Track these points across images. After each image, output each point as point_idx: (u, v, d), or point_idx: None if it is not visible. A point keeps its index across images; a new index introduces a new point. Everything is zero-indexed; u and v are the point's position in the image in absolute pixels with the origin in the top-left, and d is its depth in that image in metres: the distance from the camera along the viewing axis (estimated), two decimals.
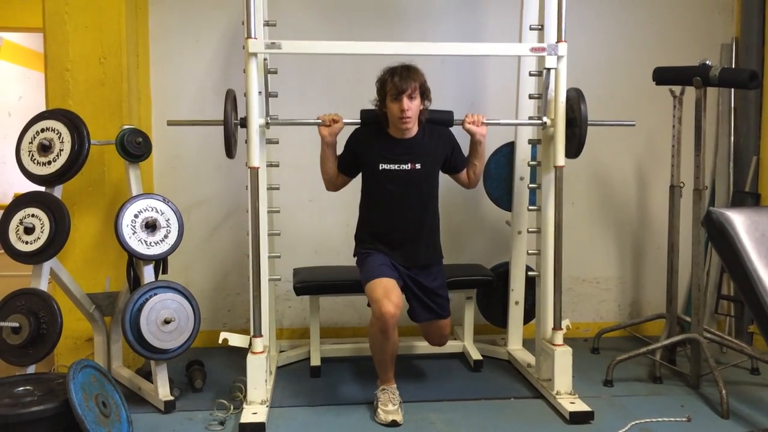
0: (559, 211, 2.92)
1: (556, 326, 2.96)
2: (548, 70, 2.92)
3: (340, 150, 2.97)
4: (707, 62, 3.04)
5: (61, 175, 2.87)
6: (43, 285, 2.84)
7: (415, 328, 3.69)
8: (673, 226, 3.33)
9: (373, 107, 2.88)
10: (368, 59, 3.03)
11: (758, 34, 3.79)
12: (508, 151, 3.44)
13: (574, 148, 2.95)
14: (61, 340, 2.82)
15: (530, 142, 3.29)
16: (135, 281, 2.98)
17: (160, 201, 2.97)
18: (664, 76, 3.24)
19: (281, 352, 3.53)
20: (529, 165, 3.31)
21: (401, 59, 2.83)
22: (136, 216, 2.89)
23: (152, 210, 2.93)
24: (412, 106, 2.74)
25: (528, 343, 3.48)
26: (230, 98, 2.83)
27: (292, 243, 3.63)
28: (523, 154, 3.38)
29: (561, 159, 2.91)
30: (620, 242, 4.01)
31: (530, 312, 3.47)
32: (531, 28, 3.19)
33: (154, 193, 3.07)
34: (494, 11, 3.76)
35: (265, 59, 2.90)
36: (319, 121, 2.87)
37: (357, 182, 3.01)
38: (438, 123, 2.94)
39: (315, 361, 3.33)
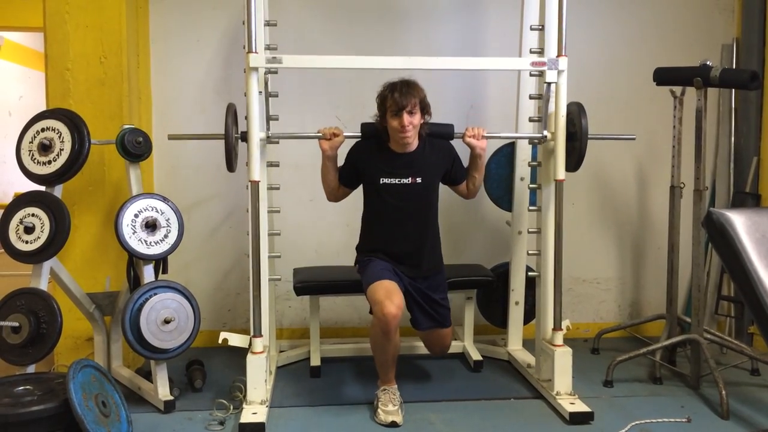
0: (560, 212, 2.92)
1: (556, 327, 2.96)
2: (548, 84, 2.92)
3: (340, 162, 2.98)
4: (708, 63, 3.04)
5: (62, 175, 2.87)
6: (43, 284, 2.84)
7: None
8: (673, 226, 3.33)
9: (373, 121, 2.90)
10: (369, 71, 3.06)
11: (759, 34, 3.79)
12: (508, 151, 3.44)
13: (573, 161, 2.96)
14: (61, 340, 2.82)
15: (531, 142, 3.29)
16: (135, 281, 2.98)
17: (160, 201, 2.97)
18: (664, 76, 3.24)
19: (281, 352, 3.53)
20: (529, 165, 3.31)
21: (402, 73, 2.84)
22: (136, 216, 2.89)
23: (152, 210, 2.93)
24: (412, 122, 2.77)
25: (528, 344, 3.48)
26: (231, 112, 2.84)
27: (292, 243, 3.63)
28: (523, 155, 3.38)
29: (561, 173, 2.91)
30: (620, 243, 4.01)
31: (530, 312, 3.46)
32: (532, 28, 3.18)
33: (154, 193, 3.07)
34: (495, 11, 3.76)
35: (266, 72, 2.90)
36: (320, 134, 2.88)
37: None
38: (438, 136, 2.96)
39: (315, 361, 3.33)
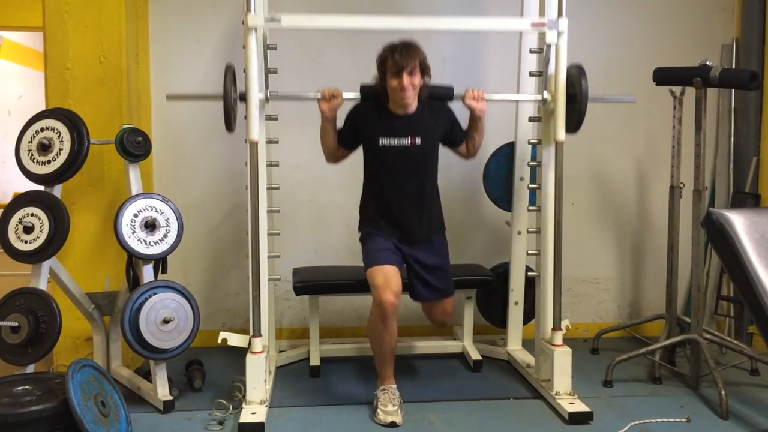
0: (559, 211, 2.92)
1: (556, 326, 2.96)
2: (549, 45, 2.90)
3: (339, 125, 2.95)
4: (707, 63, 3.04)
5: (61, 175, 2.87)
6: (43, 284, 2.83)
7: (415, 328, 3.70)
8: (672, 226, 3.33)
9: (372, 83, 2.88)
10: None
11: (758, 34, 3.79)
12: (507, 151, 3.44)
13: (573, 123, 2.94)
14: (60, 340, 2.81)
15: (530, 142, 3.29)
16: (134, 281, 2.98)
17: (160, 200, 2.96)
18: (664, 76, 3.24)
19: (280, 351, 3.53)
20: (528, 165, 3.31)
21: (401, 35, 2.81)
22: (135, 215, 2.89)
23: (152, 209, 2.93)
24: (412, 83, 2.75)
25: (527, 344, 3.48)
26: (229, 72, 2.81)
27: (291, 242, 3.63)
28: (522, 155, 3.38)
29: (561, 134, 2.90)
30: (620, 243, 4.01)
31: (530, 312, 3.46)
32: (532, 26, 3.17)
33: (154, 193, 3.07)
34: (495, 9, 3.75)
35: (264, 34, 2.87)
36: (319, 95, 2.86)
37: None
38: (438, 98, 2.94)
39: (314, 361, 3.33)
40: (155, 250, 2.91)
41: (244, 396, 2.81)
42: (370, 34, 2.98)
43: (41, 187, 2.91)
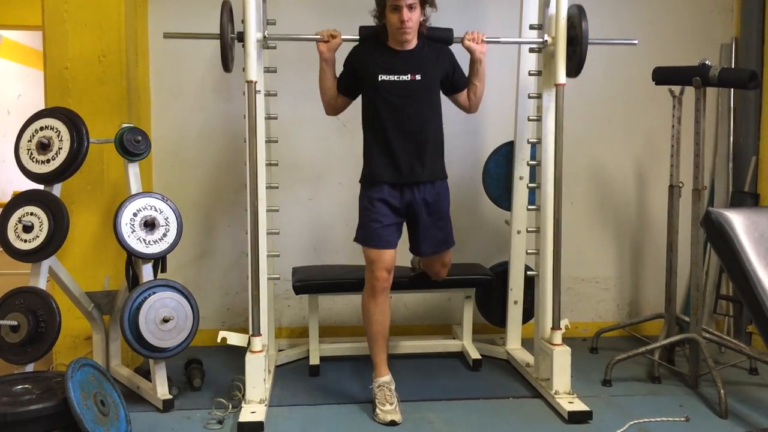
0: (558, 211, 2.92)
1: (555, 326, 2.96)
2: None
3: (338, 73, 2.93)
4: (707, 62, 3.04)
5: (60, 174, 2.86)
6: (42, 283, 2.83)
7: (415, 327, 3.70)
8: (672, 225, 3.33)
9: (372, 23, 2.85)
10: None
11: (758, 34, 3.79)
12: (507, 150, 3.44)
13: (574, 66, 2.93)
14: (60, 339, 2.81)
15: (529, 141, 3.29)
16: (134, 280, 2.98)
17: (159, 200, 2.96)
18: (663, 76, 3.25)
19: (280, 351, 3.53)
20: (528, 164, 3.31)
21: None
22: (135, 214, 2.88)
23: (151, 208, 2.93)
24: (412, 17, 2.71)
25: (527, 343, 3.48)
26: (226, 9, 2.79)
27: (291, 242, 3.63)
28: (522, 154, 3.37)
29: (562, 77, 2.89)
30: (619, 242, 4.01)
31: (529, 311, 3.47)
32: (531, 27, 3.18)
33: (153, 192, 3.07)
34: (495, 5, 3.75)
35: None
36: (318, 36, 2.84)
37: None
38: (437, 40, 2.91)
39: (314, 360, 3.33)
40: (155, 249, 2.91)
41: (243, 395, 2.81)
42: None
43: (41, 186, 2.91)
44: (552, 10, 2.93)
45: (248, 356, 2.80)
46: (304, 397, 3.02)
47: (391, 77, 2.80)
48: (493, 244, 3.83)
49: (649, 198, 3.98)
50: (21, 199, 2.89)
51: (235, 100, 2.90)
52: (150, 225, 2.91)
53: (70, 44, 3.17)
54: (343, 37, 2.85)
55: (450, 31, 2.94)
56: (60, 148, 2.86)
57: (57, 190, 2.92)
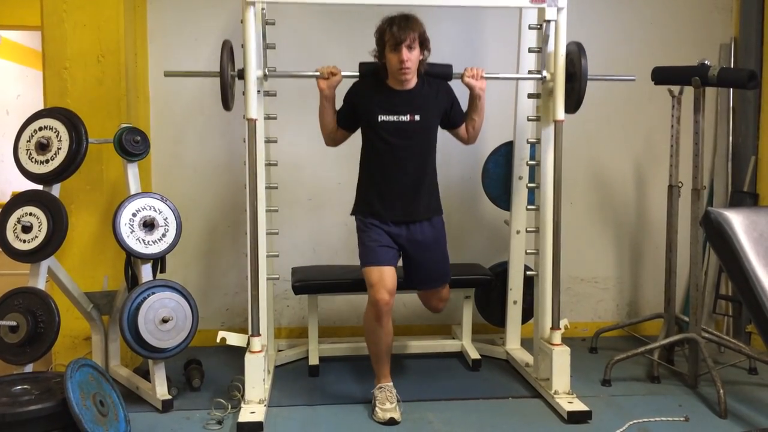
0: (558, 211, 2.92)
1: (555, 326, 2.96)
2: (548, 22, 2.89)
3: (338, 105, 2.94)
4: (706, 62, 3.04)
5: (59, 174, 2.86)
6: (41, 284, 2.83)
7: (414, 327, 3.70)
8: (671, 225, 3.33)
9: (372, 60, 2.86)
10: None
11: (757, 34, 3.79)
12: (506, 150, 3.44)
13: (573, 102, 2.93)
14: (59, 339, 2.81)
15: (529, 141, 3.29)
16: (133, 280, 2.98)
17: (159, 200, 2.96)
18: (662, 75, 3.24)
19: (279, 351, 3.53)
20: (527, 164, 3.31)
21: (400, 11, 2.78)
22: (134, 215, 2.88)
23: (150, 209, 2.92)
24: (411, 57, 2.72)
25: (526, 343, 3.48)
26: (227, 49, 2.80)
27: (290, 242, 3.62)
28: (521, 154, 3.37)
29: (560, 113, 2.89)
30: (618, 242, 4.02)
31: (528, 311, 3.47)
32: (530, 27, 3.18)
33: (153, 192, 3.07)
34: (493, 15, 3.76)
35: (263, 10, 2.86)
36: (318, 73, 2.84)
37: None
38: (437, 76, 2.91)
39: (313, 360, 3.33)
40: (154, 249, 2.91)
41: (242, 395, 2.81)
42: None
43: (39, 187, 2.91)
44: (551, 47, 2.93)
45: (247, 356, 2.79)
46: (303, 397, 3.02)
47: (391, 118, 2.81)
48: (492, 244, 3.83)
49: (648, 198, 3.98)
50: (20, 199, 2.89)
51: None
52: (149, 225, 2.91)
53: (69, 44, 3.17)
54: (343, 73, 2.85)
55: (449, 67, 2.94)
56: (59, 149, 2.86)
57: (56, 190, 2.92)
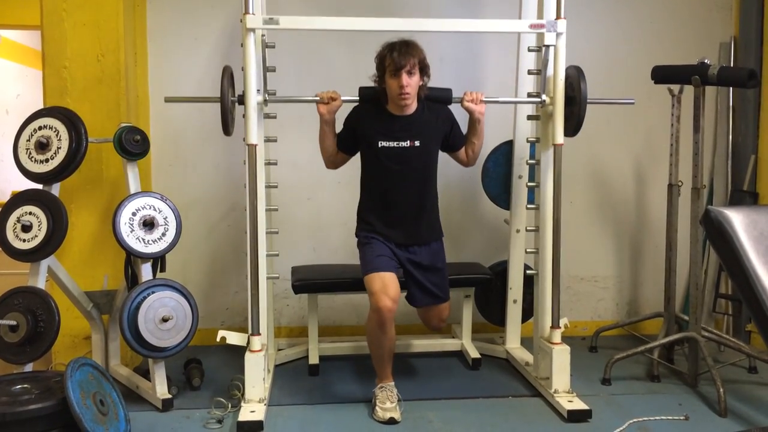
0: (558, 210, 2.92)
1: (555, 325, 2.96)
2: (547, 47, 2.90)
3: (339, 128, 2.95)
4: (706, 61, 3.04)
5: (59, 173, 2.86)
6: (41, 283, 2.83)
7: (414, 326, 3.70)
8: (671, 224, 3.33)
9: (371, 85, 2.87)
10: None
11: (757, 32, 3.80)
12: (506, 149, 3.44)
13: (572, 126, 2.94)
14: (59, 338, 2.81)
15: (529, 140, 3.29)
16: (133, 279, 2.97)
17: (158, 199, 2.96)
18: (662, 74, 3.24)
19: (279, 350, 3.53)
20: (527, 163, 3.31)
21: (400, 35, 2.80)
22: (134, 214, 2.88)
23: (150, 208, 2.92)
24: (411, 82, 2.73)
25: (526, 342, 3.48)
26: (227, 74, 2.81)
27: (290, 241, 3.62)
28: (521, 153, 3.37)
29: (560, 137, 2.90)
30: (618, 241, 4.02)
31: (528, 310, 3.47)
32: (531, 27, 3.17)
33: (152, 191, 3.07)
34: (493, 11, 3.75)
35: (263, 36, 2.87)
36: (318, 98, 2.85)
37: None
38: (437, 101, 2.92)
39: (313, 360, 3.33)
40: (154, 248, 2.91)
41: (242, 394, 2.81)
42: (369, 34, 2.98)
43: (39, 186, 2.91)
44: (550, 71, 2.93)
45: (247, 355, 2.79)
46: (303, 396, 3.02)
47: (391, 143, 2.83)
48: (492, 243, 3.83)
49: (648, 197, 3.98)
50: (20, 198, 2.88)
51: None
52: (149, 224, 2.91)
53: (68, 44, 3.17)
54: (343, 98, 2.86)
55: (449, 91, 2.96)
56: (59, 148, 2.86)
57: (56, 189, 2.92)
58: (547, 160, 3.02)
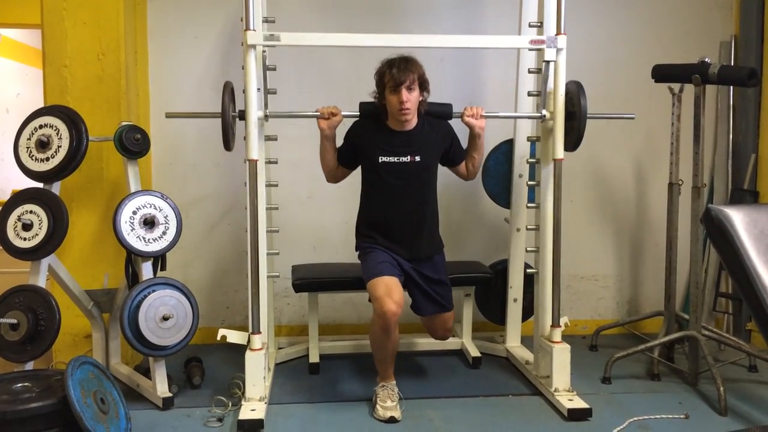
0: (558, 208, 2.92)
1: (555, 323, 2.96)
2: (547, 62, 2.90)
3: (339, 142, 2.96)
4: (706, 60, 3.04)
5: (60, 172, 2.86)
6: (42, 281, 2.83)
7: (414, 325, 3.70)
8: (671, 223, 3.33)
9: (372, 100, 2.88)
10: (367, 52, 3.02)
11: (757, 31, 3.79)
12: (507, 148, 3.44)
13: (572, 141, 2.95)
14: (60, 337, 2.81)
15: (529, 139, 3.29)
16: (133, 278, 2.98)
17: (159, 198, 2.96)
18: (663, 73, 3.24)
19: (280, 349, 3.53)
20: (527, 162, 3.31)
21: (400, 52, 2.81)
22: (134, 212, 2.88)
23: (151, 207, 2.93)
24: (411, 98, 2.74)
25: (526, 341, 3.48)
26: (228, 90, 2.82)
27: (290, 240, 3.62)
28: (521, 152, 3.37)
29: (560, 152, 2.91)
30: (619, 239, 4.02)
31: (529, 309, 3.47)
32: (530, 25, 3.18)
33: (153, 190, 3.07)
34: (494, 8, 3.75)
35: (264, 52, 2.88)
36: (318, 113, 2.86)
37: (356, 176, 3.00)
38: (437, 116, 2.93)
39: (313, 358, 3.33)
40: (154, 247, 2.91)
41: (243, 393, 2.81)
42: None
43: (40, 185, 2.91)
44: (550, 86, 2.93)
45: (248, 354, 2.80)
46: (303, 394, 3.02)
47: (391, 159, 2.83)
48: (492, 241, 3.83)
49: (648, 195, 3.98)
50: (20, 197, 2.89)
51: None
52: (149, 223, 2.91)
53: (69, 42, 3.17)
54: (343, 113, 2.87)
55: (449, 106, 2.97)
56: (59, 147, 2.86)
57: (56, 188, 2.92)
58: (548, 176, 3.02)
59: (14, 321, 2.75)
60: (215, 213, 3.76)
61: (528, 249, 3.22)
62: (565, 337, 2.99)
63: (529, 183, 3.27)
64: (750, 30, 3.81)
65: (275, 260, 3.28)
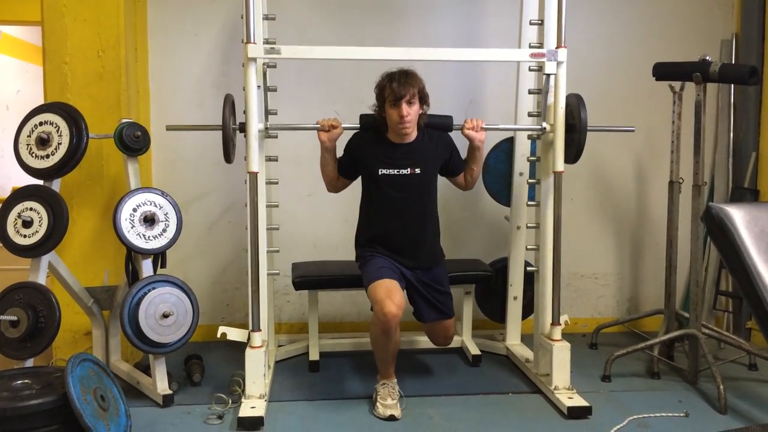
0: (558, 207, 2.92)
1: (555, 321, 2.96)
2: (548, 75, 2.91)
3: (339, 153, 2.97)
4: (707, 58, 3.04)
5: (60, 169, 2.86)
6: (42, 279, 2.83)
7: (415, 323, 3.71)
8: (671, 221, 3.33)
9: (372, 112, 2.89)
10: (368, 61, 3.03)
11: (758, 29, 3.79)
12: (507, 146, 3.44)
13: (572, 153, 2.95)
14: (60, 334, 2.82)
15: (530, 137, 3.28)
16: (133, 275, 2.98)
17: (159, 195, 2.96)
18: (663, 71, 3.24)
19: (280, 346, 3.53)
20: (528, 160, 3.31)
21: (400, 64, 2.82)
22: (134, 210, 2.88)
23: (151, 204, 2.92)
24: (411, 112, 2.75)
25: (526, 339, 3.48)
26: (228, 103, 2.82)
27: (290, 238, 3.62)
28: (522, 150, 3.37)
29: (560, 165, 2.91)
30: (619, 238, 4.02)
31: (529, 307, 3.47)
32: (531, 23, 3.18)
33: (153, 187, 3.07)
34: (494, 8, 3.75)
35: (264, 64, 2.89)
36: (318, 126, 2.87)
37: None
38: (437, 128, 2.95)
39: (313, 356, 3.33)
40: (154, 244, 2.91)
41: (243, 390, 2.81)
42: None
43: (40, 182, 2.91)
44: (550, 98, 2.94)
45: (248, 352, 2.80)
46: (303, 392, 3.02)
47: (391, 171, 2.84)
48: (492, 239, 3.83)
49: (649, 194, 3.98)
50: (20, 194, 2.89)
51: (234, 95, 2.91)
52: (150, 220, 2.91)
53: (69, 39, 3.17)
54: (343, 125, 2.88)
55: (449, 118, 2.98)
56: (59, 144, 2.86)
57: (56, 185, 2.92)
58: (548, 189, 3.02)
59: (14, 318, 2.75)
60: (215, 210, 3.76)
61: (528, 247, 3.22)
62: (565, 335, 2.99)
63: (529, 181, 3.27)
64: (751, 28, 3.81)
65: (275, 258, 3.28)
